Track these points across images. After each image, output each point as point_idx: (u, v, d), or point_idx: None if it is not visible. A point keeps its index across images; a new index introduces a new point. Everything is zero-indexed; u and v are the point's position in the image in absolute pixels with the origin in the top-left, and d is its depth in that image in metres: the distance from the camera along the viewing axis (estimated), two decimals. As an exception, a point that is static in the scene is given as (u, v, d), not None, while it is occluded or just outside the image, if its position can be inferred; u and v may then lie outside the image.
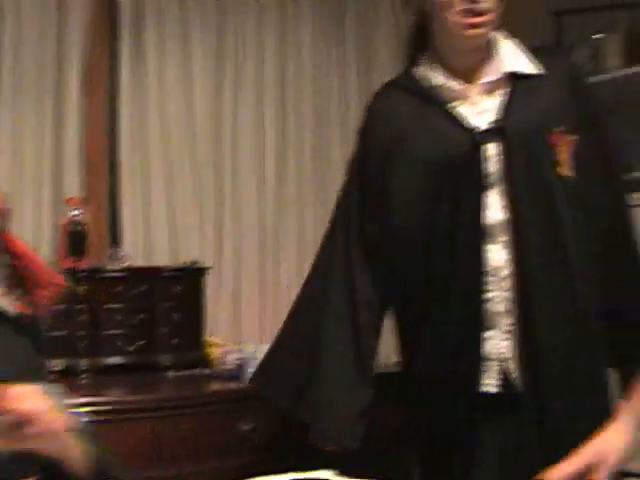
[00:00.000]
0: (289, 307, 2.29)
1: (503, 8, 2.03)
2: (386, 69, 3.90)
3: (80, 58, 3.42)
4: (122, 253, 3.32)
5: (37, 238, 3.24)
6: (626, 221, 2.02)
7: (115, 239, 3.48)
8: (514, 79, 1.98)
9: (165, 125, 3.57)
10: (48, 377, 1.72)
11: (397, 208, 1.98)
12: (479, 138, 1.91)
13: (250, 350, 3.07)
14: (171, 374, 3.08)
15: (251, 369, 3.05)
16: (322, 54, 3.94)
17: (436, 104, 1.98)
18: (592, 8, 4.43)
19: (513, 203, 1.88)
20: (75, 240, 3.14)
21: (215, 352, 3.27)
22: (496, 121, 1.93)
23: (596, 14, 4.42)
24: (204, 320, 3.29)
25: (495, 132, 1.91)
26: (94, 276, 3.03)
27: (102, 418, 2.46)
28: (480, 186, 1.89)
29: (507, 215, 1.88)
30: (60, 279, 1.87)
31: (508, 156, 1.89)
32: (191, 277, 3.26)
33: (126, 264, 3.24)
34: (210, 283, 3.44)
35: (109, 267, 3.15)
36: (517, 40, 2.08)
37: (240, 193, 3.72)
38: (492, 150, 1.91)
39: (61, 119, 3.39)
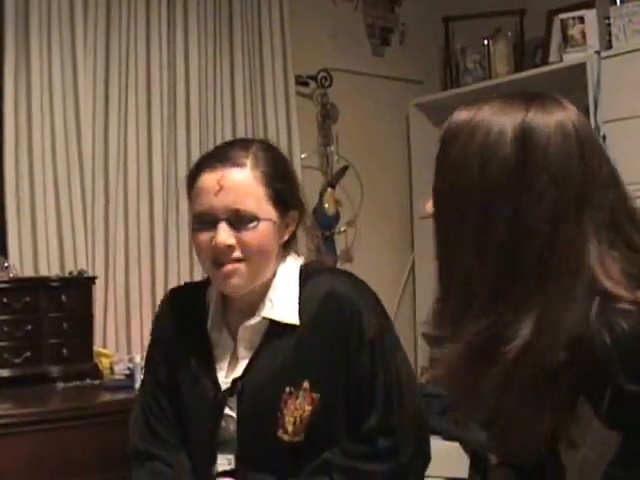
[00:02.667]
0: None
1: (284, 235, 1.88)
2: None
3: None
4: (7, 264, 3.26)
5: None
6: None
7: (0, 249, 3.42)
8: (270, 325, 1.83)
9: (50, 133, 3.52)
10: None
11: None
12: (220, 396, 1.85)
13: (140, 360, 3.06)
14: (60, 385, 3.04)
15: (141, 378, 3.05)
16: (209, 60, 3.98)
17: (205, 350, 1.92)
18: (480, 15, 4.57)
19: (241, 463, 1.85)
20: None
21: (105, 362, 3.25)
22: (236, 379, 1.85)
23: (484, 20, 4.56)
24: (93, 330, 3.26)
25: (233, 389, 1.84)
26: (-22, 288, 2.98)
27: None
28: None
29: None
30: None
31: (242, 413, 1.84)
32: (79, 287, 3.23)
33: (12, 275, 3.19)
34: (99, 293, 3.41)
35: (-6, 278, 3.09)
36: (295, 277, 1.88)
37: (129, 200, 3.70)
38: (232, 404, 1.85)
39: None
